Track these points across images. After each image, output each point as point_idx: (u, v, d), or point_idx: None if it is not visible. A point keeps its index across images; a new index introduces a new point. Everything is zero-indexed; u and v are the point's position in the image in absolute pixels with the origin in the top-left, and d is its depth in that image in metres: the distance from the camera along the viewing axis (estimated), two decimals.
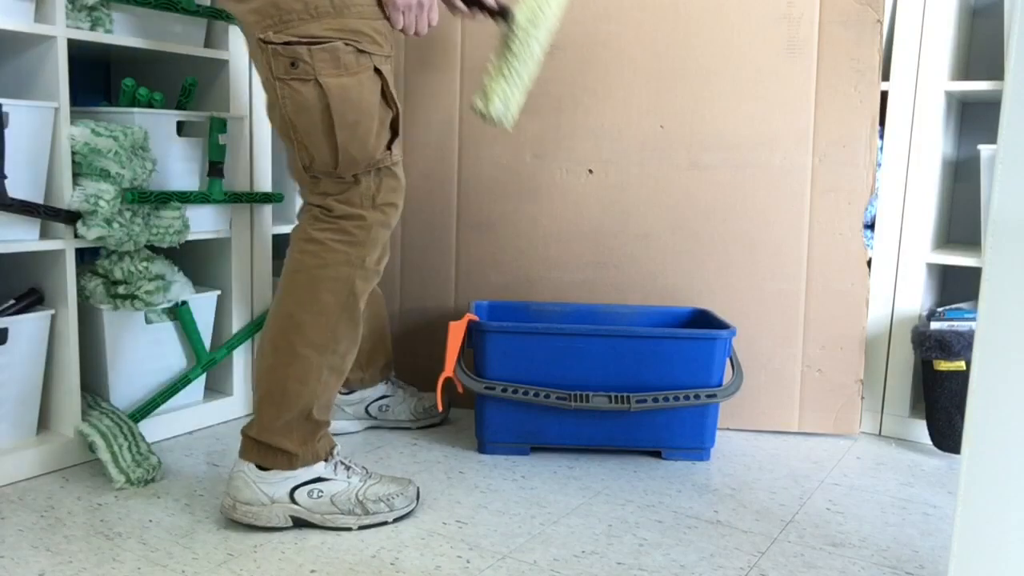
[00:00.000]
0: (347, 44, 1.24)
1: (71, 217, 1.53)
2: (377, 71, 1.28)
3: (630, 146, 1.91)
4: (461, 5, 1.54)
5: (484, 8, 1.53)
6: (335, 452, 1.41)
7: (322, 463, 1.38)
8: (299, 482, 1.35)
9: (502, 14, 1.53)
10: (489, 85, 1.48)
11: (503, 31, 1.51)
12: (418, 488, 1.45)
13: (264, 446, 1.34)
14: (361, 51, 1.26)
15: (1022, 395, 0.81)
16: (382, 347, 1.86)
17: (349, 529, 1.36)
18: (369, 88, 1.27)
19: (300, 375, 1.32)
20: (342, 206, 1.32)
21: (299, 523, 1.36)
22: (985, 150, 1.73)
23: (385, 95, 1.30)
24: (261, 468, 1.35)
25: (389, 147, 1.32)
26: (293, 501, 1.35)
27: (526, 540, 1.35)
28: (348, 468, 1.40)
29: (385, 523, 1.38)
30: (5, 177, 1.44)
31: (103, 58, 1.91)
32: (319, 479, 1.36)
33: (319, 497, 1.35)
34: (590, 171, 1.92)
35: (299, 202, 1.44)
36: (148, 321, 1.74)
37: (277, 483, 1.34)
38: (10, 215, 1.47)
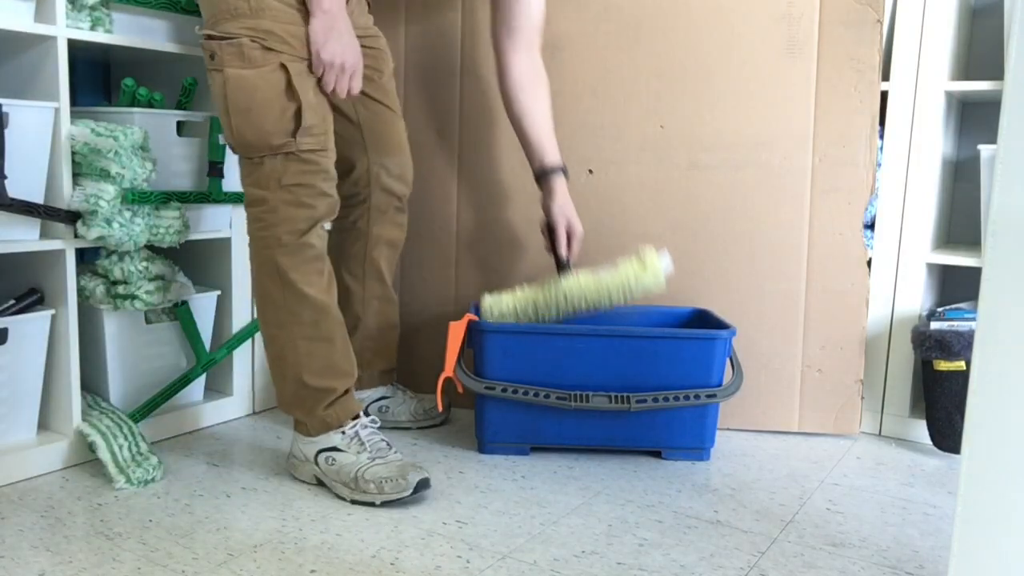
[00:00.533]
0: (253, 41, 1.40)
1: (71, 217, 1.53)
2: (283, 67, 1.41)
3: (630, 146, 1.91)
4: (544, 229, 1.79)
5: (554, 250, 1.78)
6: (353, 423, 1.52)
7: (339, 434, 1.51)
8: (321, 448, 1.52)
9: (559, 267, 1.77)
10: (505, 299, 1.75)
11: (554, 276, 1.75)
12: (425, 479, 1.45)
13: (289, 416, 1.56)
14: (268, 48, 1.41)
15: (1022, 395, 0.81)
16: (385, 353, 1.86)
17: (343, 499, 1.47)
18: (269, 81, 1.41)
19: (278, 352, 1.51)
20: (252, 189, 1.47)
21: (319, 483, 1.53)
22: (985, 150, 1.73)
23: (290, 88, 1.42)
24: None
25: (294, 135, 1.43)
26: (316, 464, 1.52)
27: (526, 540, 1.35)
28: (362, 443, 1.50)
29: (373, 504, 1.45)
30: (5, 177, 1.44)
31: (103, 58, 1.91)
32: (335, 448, 1.51)
33: (332, 464, 1.50)
34: (590, 171, 1.92)
35: None
36: (148, 321, 1.74)
37: (307, 446, 1.53)
38: (10, 215, 1.47)
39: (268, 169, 1.44)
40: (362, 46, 1.68)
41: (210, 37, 1.42)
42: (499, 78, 1.78)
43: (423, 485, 1.45)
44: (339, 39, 1.45)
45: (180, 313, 1.76)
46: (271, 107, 1.41)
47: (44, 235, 1.55)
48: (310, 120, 1.44)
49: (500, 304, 1.75)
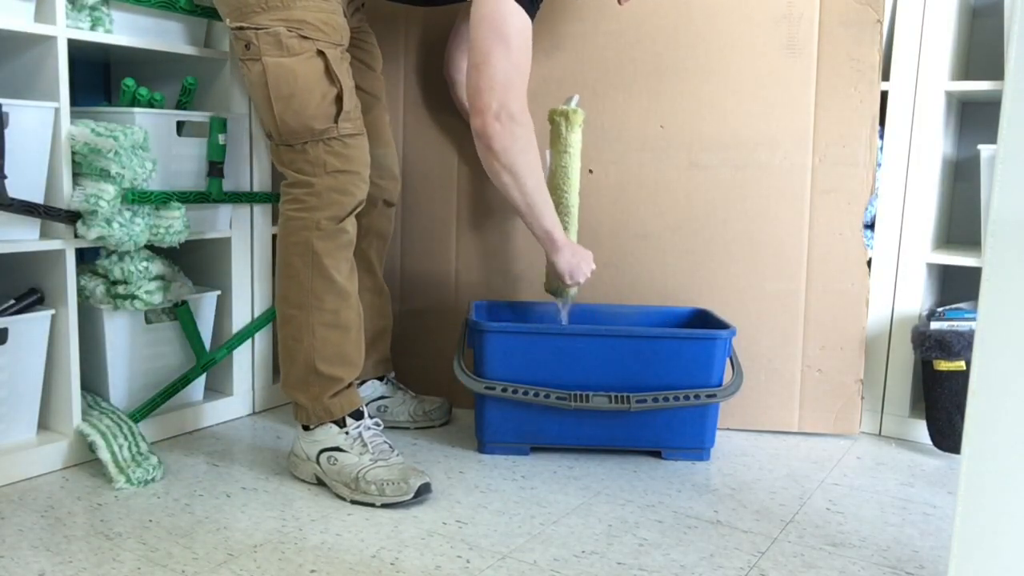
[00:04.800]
0: (290, 30, 1.42)
1: (71, 217, 1.53)
2: (320, 53, 1.44)
3: (630, 146, 1.91)
4: None
5: None
6: (356, 420, 1.53)
7: (343, 434, 1.51)
8: (324, 447, 1.51)
9: None
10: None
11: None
12: (426, 483, 1.46)
13: (291, 401, 1.55)
14: (304, 37, 1.43)
15: (1022, 395, 0.81)
16: (380, 344, 1.87)
17: (343, 499, 1.47)
18: (308, 67, 1.43)
19: (294, 333, 1.51)
20: (294, 174, 1.49)
21: (320, 482, 1.53)
22: (985, 150, 1.73)
23: (329, 73, 1.44)
24: (304, 428, 1.54)
25: (336, 120, 1.46)
26: (318, 463, 1.51)
27: (526, 540, 1.35)
28: (365, 445, 1.51)
29: (373, 505, 1.45)
30: (5, 177, 1.44)
31: (103, 58, 1.91)
32: (338, 448, 1.50)
33: (334, 464, 1.50)
34: (590, 171, 1.92)
35: None
36: (148, 321, 1.74)
37: (310, 444, 1.53)
38: (10, 215, 1.47)
39: (312, 156, 1.46)
40: (355, 40, 1.70)
41: (242, 29, 1.43)
42: (455, 94, 1.92)
43: (424, 490, 1.45)
44: (581, 263, 1.70)
45: (180, 313, 1.76)
46: (312, 93, 1.44)
47: (44, 235, 1.55)
48: (349, 104, 1.47)
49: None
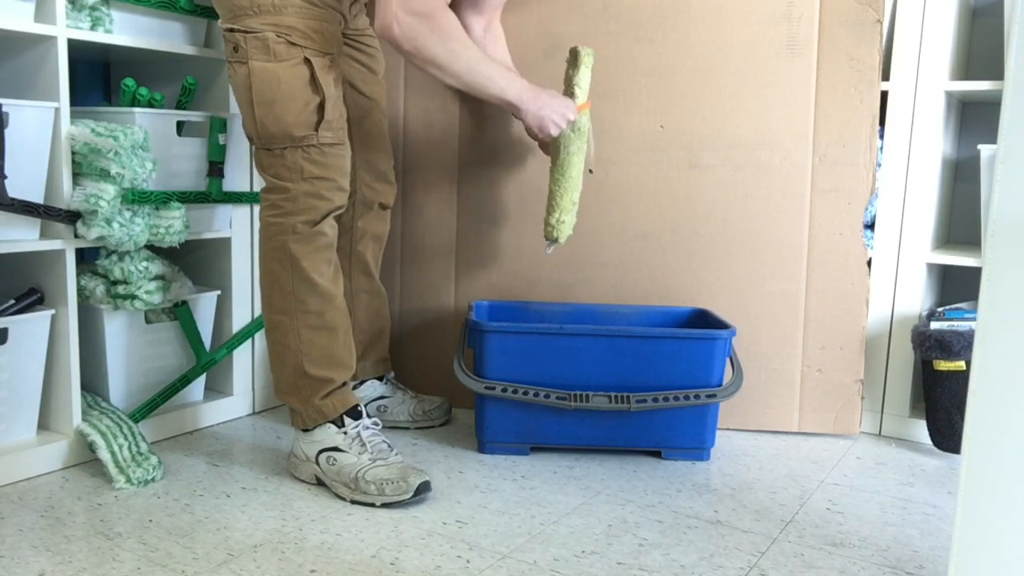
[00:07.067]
0: (279, 36, 1.42)
1: (71, 217, 1.53)
2: (307, 61, 1.44)
3: (630, 146, 1.91)
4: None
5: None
6: (354, 420, 1.53)
7: (341, 434, 1.51)
8: (323, 447, 1.51)
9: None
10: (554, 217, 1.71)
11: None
12: (425, 482, 1.46)
13: (286, 406, 1.56)
14: (292, 43, 1.43)
15: (1022, 395, 0.81)
16: (378, 344, 1.87)
17: (343, 499, 1.47)
18: (293, 74, 1.44)
19: (280, 338, 1.52)
20: (272, 179, 1.49)
21: (319, 483, 1.53)
22: (985, 150, 1.73)
23: (314, 81, 1.44)
24: (303, 430, 1.54)
25: (317, 129, 1.46)
26: (317, 463, 1.51)
27: (526, 540, 1.35)
28: (364, 445, 1.51)
29: (372, 504, 1.45)
30: (5, 177, 1.44)
31: (103, 58, 1.91)
32: (336, 448, 1.50)
33: (333, 464, 1.50)
34: (590, 171, 1.92)
35: None
36: (148, 321, 1.74)
37: (309, 445, 1.53)
38: (10, 215, 1.47)
39: (290, 161, 1.47)
40: (357, 43, 1.71)
41: (232, 31, 1.44)
42: None
43: (424, 488, 1.45)
44: (551, 113, 1.60)
45: (180, 313, 1.76)
46: (295, 100, 1.44)
47: (44, 235, 1.55)
48: (331, 114, 1.47)
49: (561, 227, 1.71)
